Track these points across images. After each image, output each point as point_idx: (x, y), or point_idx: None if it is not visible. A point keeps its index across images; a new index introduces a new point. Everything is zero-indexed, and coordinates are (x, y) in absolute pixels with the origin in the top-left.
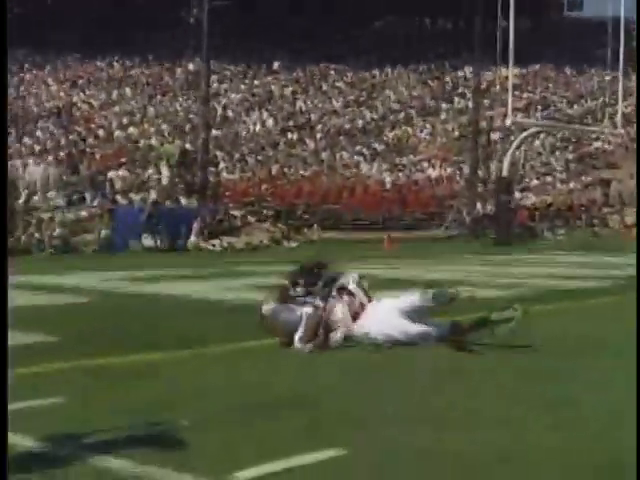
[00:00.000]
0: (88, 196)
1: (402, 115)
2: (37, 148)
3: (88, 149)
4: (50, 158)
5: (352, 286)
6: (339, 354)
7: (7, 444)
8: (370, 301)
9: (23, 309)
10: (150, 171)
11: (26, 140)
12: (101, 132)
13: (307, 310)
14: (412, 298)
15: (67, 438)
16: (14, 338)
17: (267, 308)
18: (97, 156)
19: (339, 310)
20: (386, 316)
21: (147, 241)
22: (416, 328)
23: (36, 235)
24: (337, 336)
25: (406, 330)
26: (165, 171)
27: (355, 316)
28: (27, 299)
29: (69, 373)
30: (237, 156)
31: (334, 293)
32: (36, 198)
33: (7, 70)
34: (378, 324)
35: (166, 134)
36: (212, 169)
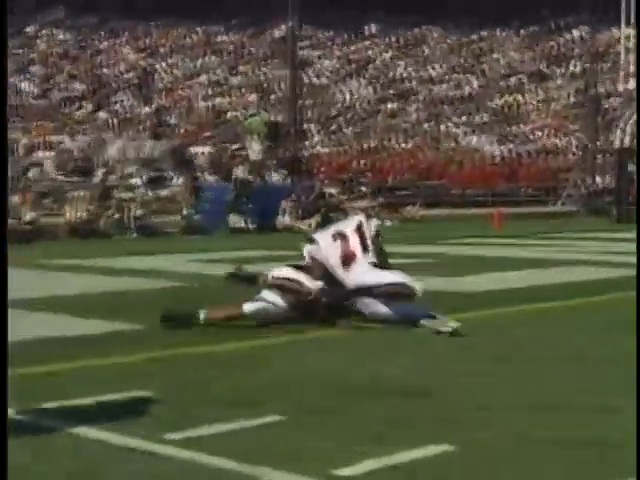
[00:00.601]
0: (171, 173)
1: (512, 81)
2: (114, 122)
3: (170, 123)
4: (129, 133)
5: (348, 230)
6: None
7: (7, 443)
8: (366, 251)
9: (105, 295)
10: (237, 145)
11: (102, 114)
12: (184, 104)
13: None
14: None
15: (157, 434)
16: (98, 326)
17: None
18: (180, 130)
19: (330, 256)
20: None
21: (235, 221)
22: (384, 309)
23: (115, 216)
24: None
25: (374, 308)
26: (255, 145)
27: (344, 261)
28: (109, 284)
29: (157, 363)
30: (332, 128)
31: (329, 238)
32: (114, 177)
33: (7, 69)
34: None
35: (254, 105)
36: (305, 143)
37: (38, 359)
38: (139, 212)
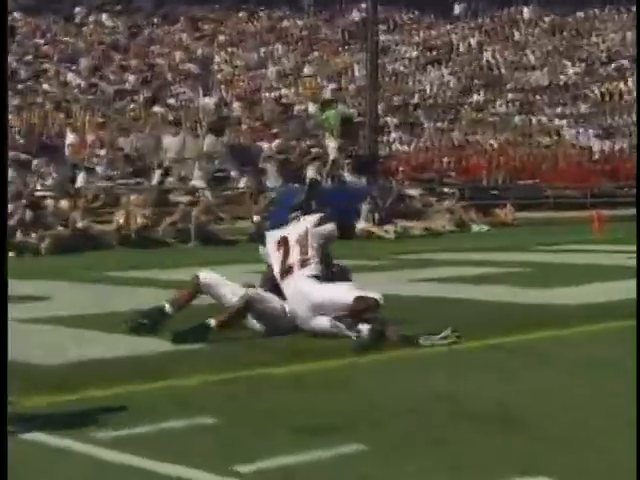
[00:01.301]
0: (234, 174)
1: (613, 67)
2: (171, 117)
3: (232, 117)
4: (187, 129)
5: (292, 238)
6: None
7: (7, 443)
8: (306, 264)
9: None
10: (309, 142)
11: (157, 108)
12: (247, 96)
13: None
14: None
15: (225, 466)
16: (155, 345)
17: None
18: (243, 126)
19: (273, 265)
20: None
21: None
22: (325, 323)
23: (179, 225)
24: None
25: (314, 322)
26: (331, 142)
27: (282, 273)
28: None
29: (222, 386)
30: (411, 122)
31: (274, 245)
32: (171, 179)
33: (7, 69)
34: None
35: (326, 97)
36: (382, 138)
37: (92, 383)
38: (199, 218)
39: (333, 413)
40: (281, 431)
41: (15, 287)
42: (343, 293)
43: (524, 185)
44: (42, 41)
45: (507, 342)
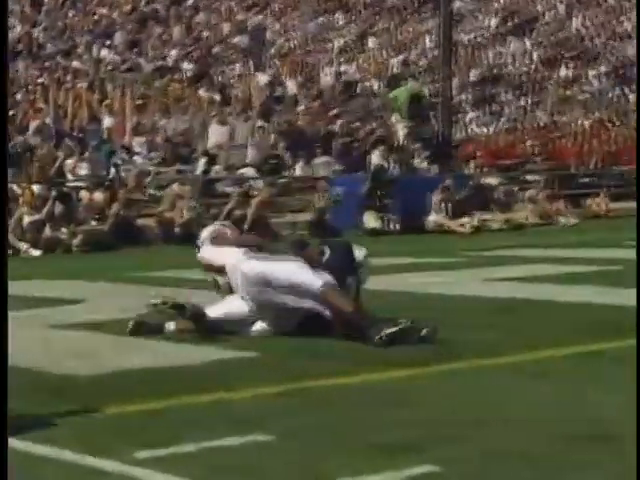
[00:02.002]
0: (288, 160)
1: None
2: (218, 98)
3: (287, 96)
4: (237, 110)
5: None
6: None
7: (7, 445)
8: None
9: None
10: (372, 124)
11: (203, 88)
12: (304, 73)
13: None
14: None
15: None
16: (204, 354)
17: None
18: (299, 107)
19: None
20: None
21: (370, 220)
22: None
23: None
24: None
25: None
26: (398, 124)
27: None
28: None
29: (279, 399)
30: (491, 100)
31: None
32: (219, 167)
33: (8, 69)
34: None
35: (394, 73)
36: (457, 119)
37: (131, 395)
38: (260, 211)
39: (402, 429)
40: (345, 449)
41: (45, 289)
42: (305, 275)
43: (620, 172)
44: (72, 12)
45: (599, 349)
